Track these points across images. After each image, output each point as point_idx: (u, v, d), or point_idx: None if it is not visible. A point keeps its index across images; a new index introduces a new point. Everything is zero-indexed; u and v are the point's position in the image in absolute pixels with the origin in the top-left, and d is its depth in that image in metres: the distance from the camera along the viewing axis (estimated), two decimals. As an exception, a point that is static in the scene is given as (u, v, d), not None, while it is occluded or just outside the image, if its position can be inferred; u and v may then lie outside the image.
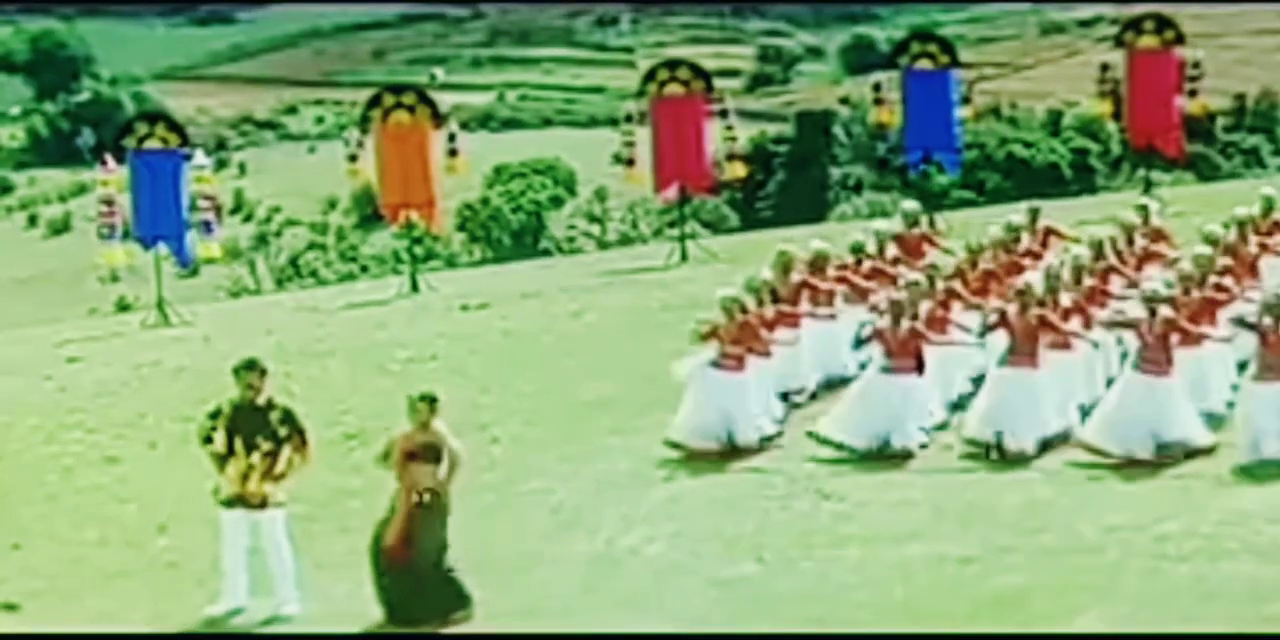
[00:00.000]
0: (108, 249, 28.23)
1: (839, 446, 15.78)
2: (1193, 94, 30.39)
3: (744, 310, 16.30)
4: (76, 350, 25.19)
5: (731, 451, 15.96)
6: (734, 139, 29.77)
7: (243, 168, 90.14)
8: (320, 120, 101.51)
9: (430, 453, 12.32)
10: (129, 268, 35.36)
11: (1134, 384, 15.25)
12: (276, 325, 26.17)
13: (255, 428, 12.58)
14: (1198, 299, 16.06)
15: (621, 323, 23.04)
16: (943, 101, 29.94)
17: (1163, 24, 30.54)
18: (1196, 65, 30.35)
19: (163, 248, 28.23)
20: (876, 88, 30.55)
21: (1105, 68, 30.74)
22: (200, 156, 28.03)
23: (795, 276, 17.67)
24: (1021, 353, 15.60)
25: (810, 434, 16.01)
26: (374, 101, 28.36)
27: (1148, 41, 30.37)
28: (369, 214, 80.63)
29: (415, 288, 28.63)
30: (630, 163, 29.70)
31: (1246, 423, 14.94)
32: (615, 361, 20.11)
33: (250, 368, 12.77)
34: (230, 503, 12.64)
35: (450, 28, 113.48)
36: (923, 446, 15.88)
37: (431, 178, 28.45)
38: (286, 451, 12.55)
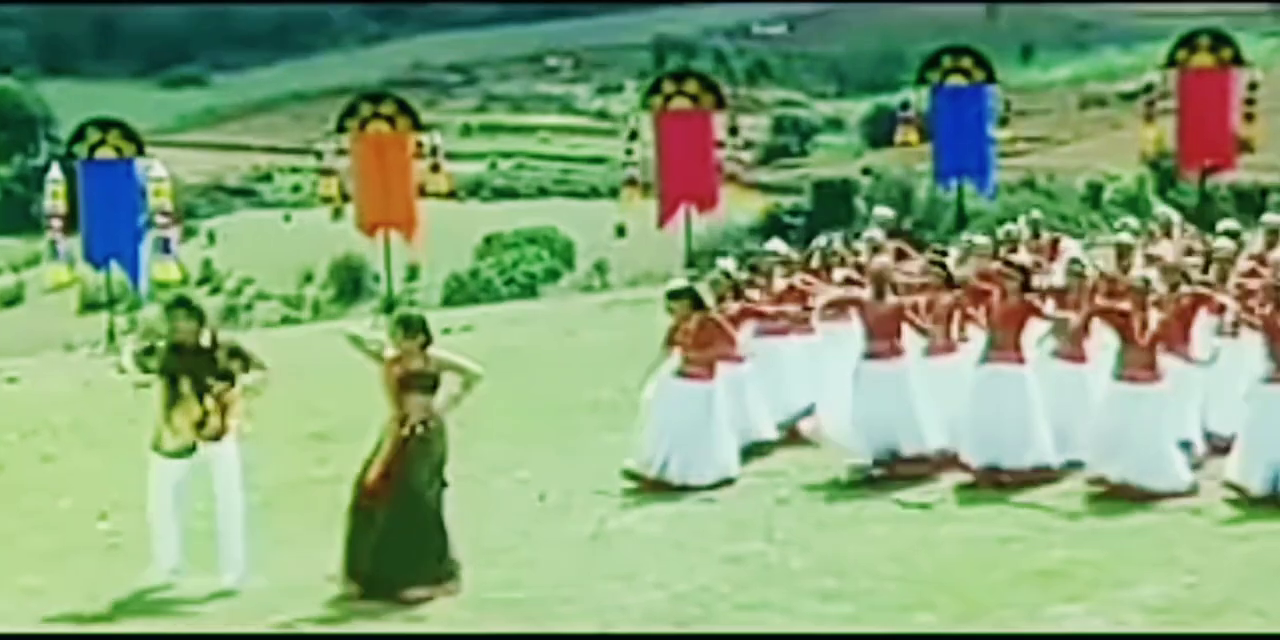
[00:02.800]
0: (54, 269, 27.84)
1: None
2: (1249, 118, 30.16)
3: (699, 305, 14.99)
4: (14, 372, 24.76)
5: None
6: (740, 162, 29.55)
7: (211, 236, 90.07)
8: (297, 189, 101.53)
9: (423, 382, 11.78)
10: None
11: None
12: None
13: (202, 370, 12.07)
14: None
15: (619, 338, 22.60)
16: (976, 120, 29.72)
17: (1219, 41, 30.31)
18: (1254, 86, 30.14)
19: (116, 268, 27.77)
20: (904, 105, 30.32)
21: (1149, 88, 30.47)
22: (158, 167, 27.60)
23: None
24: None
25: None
26: (350, 110, 28.05)
27: (1202, 60, 30.12)
28: (348, 287, 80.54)
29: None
30: (632, 182, 29.37)
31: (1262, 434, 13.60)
32: (613, 370, 19.61)
33: (180, 305, 12.26)
34: (176, 454, 12.07)
35: (439, 94, 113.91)
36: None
37: (412, 192, 28.14)
38: (244, 380, 12.06)
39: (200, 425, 12.01)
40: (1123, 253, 16.45)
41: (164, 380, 12.11)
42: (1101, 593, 11.33)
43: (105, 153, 27.53)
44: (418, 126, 28.05)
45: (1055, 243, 19.18)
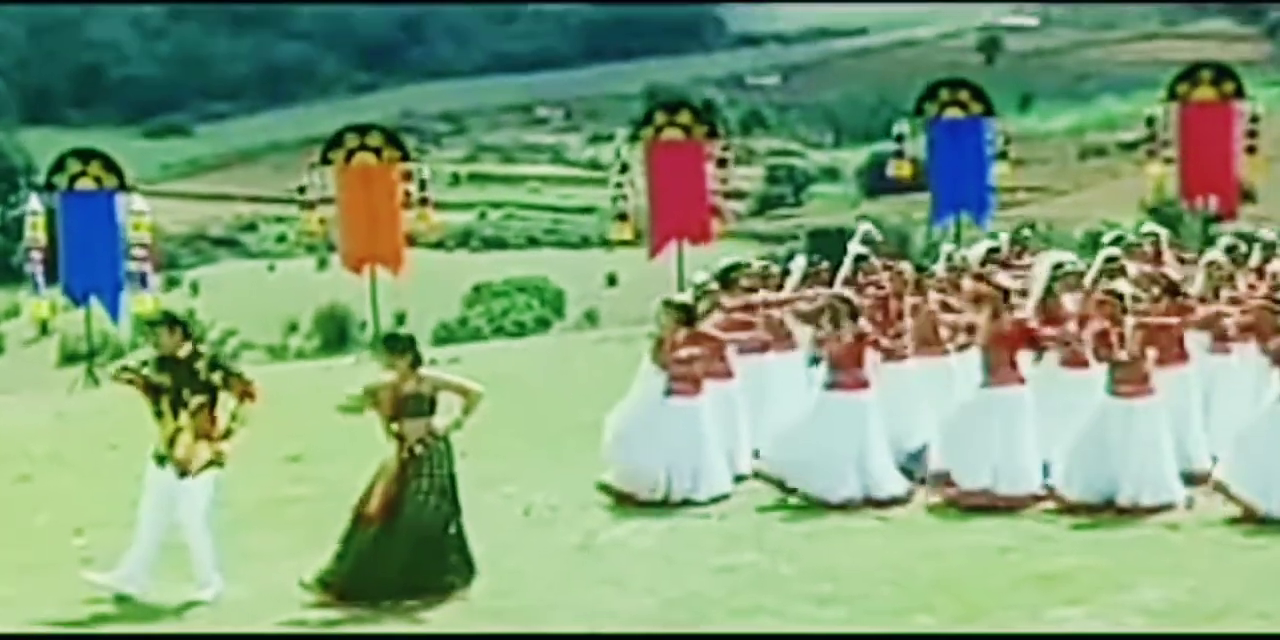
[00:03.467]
0: (35, 303, 27.72)
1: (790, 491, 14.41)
2: (1251, 151, 30.17)
3: (689, 318, 14.90)
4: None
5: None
6: (731, 194, 29.60)
7: (195, 287, 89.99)
8: (282, 239, 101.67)
9: (418, 404, 11.77)
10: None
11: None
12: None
13: (181, 383, 12.06)
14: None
15: (610, 366, 22.54)
16: (974, 154, 29.67)
17: (1220, 75, 30.35)
18: (1255, 119, 30.16)
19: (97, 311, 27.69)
20: (898, 138, 30.30)
21: (1151, 121, 30.44)
22: (138, 200, 27.52)
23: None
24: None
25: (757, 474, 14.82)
26: (336, 141, 28.02)
27: (1203, 93, 30.16)
28: (333, 337, 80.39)
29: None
30: (622, 217, 29.31)
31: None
32: (602, 394, 19.52)
33: (163, 321, 12.32)
34: (160, 460, 12.08)
35: (428, 143, 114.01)
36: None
37: (399, 227, 28.08)
38: (227, 402, 12.03)
39: (171, 442, 12.01)
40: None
41: (147, 397, 12.15)
42: (1103, 596, 11.29)
43: (85, 184, 27.40)
44: (405, 158, 27.95)
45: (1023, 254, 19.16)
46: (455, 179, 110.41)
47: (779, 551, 12.75)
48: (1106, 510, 13.48)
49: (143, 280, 27.28)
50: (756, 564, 12.45)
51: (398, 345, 11.94)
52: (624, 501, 14.49)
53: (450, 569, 11.82)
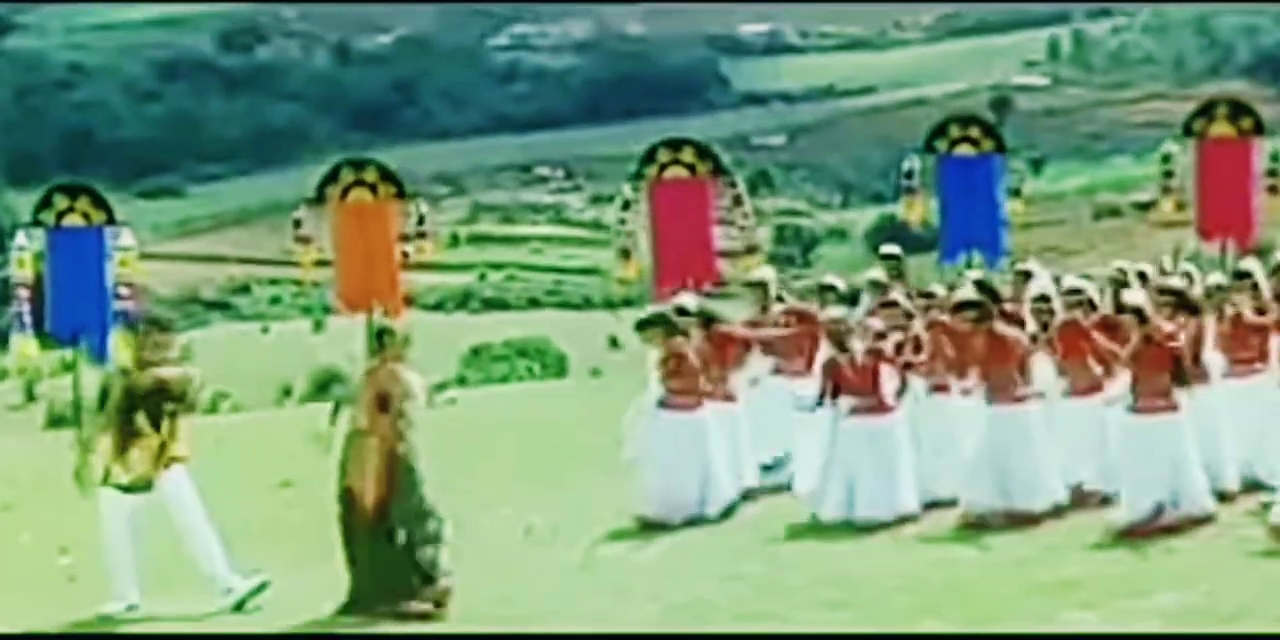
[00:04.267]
0: (20, 342, 27.56)
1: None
2: (1273, 190, 30.07)
3: (673, 333, 14.85)
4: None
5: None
6: (748, 229, 29.42)
7: (186, 351, 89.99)
8: (276, 301, 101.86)
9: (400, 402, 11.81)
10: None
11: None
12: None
13: (157, 400, 12.11)
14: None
15: (613, 396, 22.47)
16: (986, 192, 29.53)
17: (1238, 110, 30.26)
18: (1276, 157, 30.09)
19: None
20: (908, 175, 30.19)
21: (1167, 159, 30.28)
22: (126, 236, 27.41)
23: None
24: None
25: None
26: (331, 177, 27.91)
27: (1221, 129, 30.04)
28: (329, 402, 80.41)
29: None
30: (625, 254, 29.16)
31: None
32: (606, 420, 19.47)
33: (153, 324, 12.38)
34: (129, 488, 12.07)
35: (427, 203, 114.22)
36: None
37: (396, 264, 27.96)
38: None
39: (159, 457, 12.05)
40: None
41: (116, 418, 12.15)
42: (1116, 602, 11.24)
43: (73, 220, 27.22)
44: (402, 194, 27.84)
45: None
46: (454, 240, 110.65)
47: (787, 562, 12.71)
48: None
49: (125, 318, 27.08)
50: (764, 573, 12.44)
51: (392, 336, 11.94)
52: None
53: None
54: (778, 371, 15.99)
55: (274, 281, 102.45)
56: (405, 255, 27.60)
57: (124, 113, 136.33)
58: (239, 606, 12.04)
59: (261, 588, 12.18)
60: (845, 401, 14.23)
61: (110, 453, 12.28)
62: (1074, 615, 10.96)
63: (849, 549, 13.08)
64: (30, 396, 74.86)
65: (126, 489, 12.14)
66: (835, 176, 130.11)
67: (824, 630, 10.91)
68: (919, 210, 30.13)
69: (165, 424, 12.15)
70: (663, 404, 14.70)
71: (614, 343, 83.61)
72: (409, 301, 29.83)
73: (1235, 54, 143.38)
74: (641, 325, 14.95)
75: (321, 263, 28.14)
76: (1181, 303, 14.48)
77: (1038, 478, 13.85)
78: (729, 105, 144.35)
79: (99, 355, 27.91)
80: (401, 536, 11.65)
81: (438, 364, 78.66)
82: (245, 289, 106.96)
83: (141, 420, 12.12)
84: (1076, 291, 14.96)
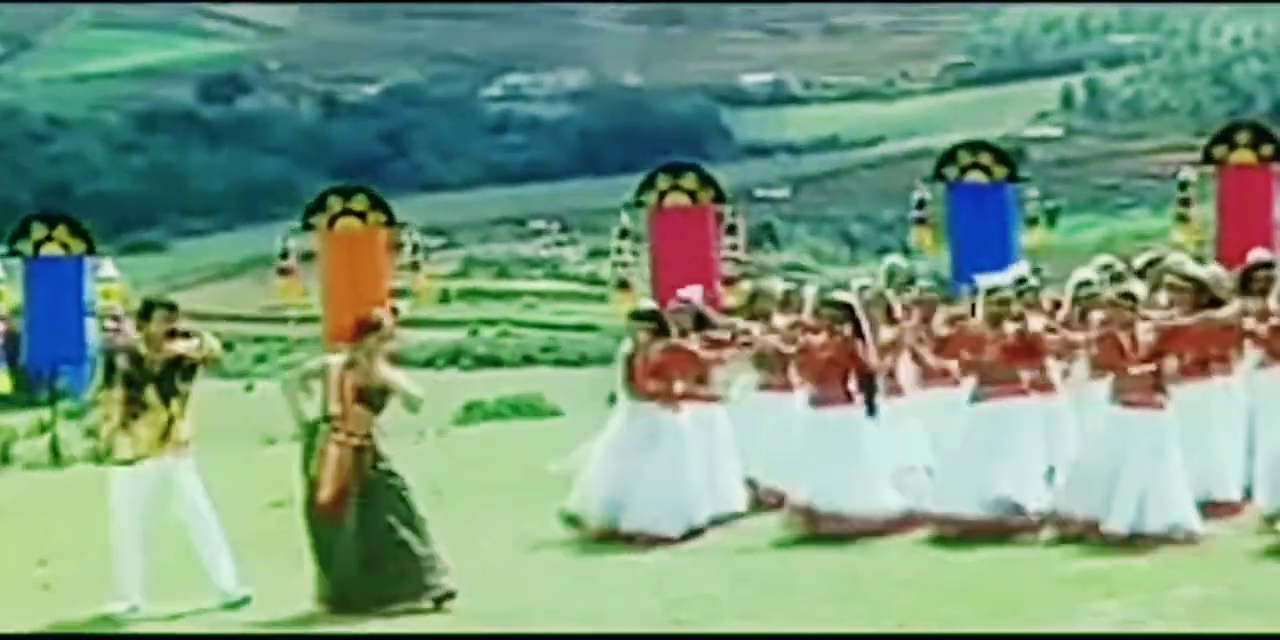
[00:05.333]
0: (-1, 373, 27.55)
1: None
2: (1298, 217, 30.07)
3: (662, 332, 14.63)
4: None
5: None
6: (739, 261, 29.42)
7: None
8: (261, 359, 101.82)
9: (379, 398, 11.82)
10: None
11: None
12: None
13: (171, 375, 12.22)
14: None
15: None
16: (998, 220, 29.56)
17: (1260, 137, 30.27)
18: (1299, 184, 30.15)
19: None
20: (919, 205, 30.19)
21: (1184, 186, 30.27)
22: (108, 266, 27.49)
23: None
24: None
25: None
26: (319, 205, 27.99)
27: (1241, 156, 30.07)
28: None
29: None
30: (624, 285, 29.17)
31: None
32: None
33: (158, 306, 12.48)
34: (133, 462, 12.12)
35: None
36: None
37: (385, 295, 27.99)
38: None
39: (166, 434, 12.11)
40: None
41: (124, 391, 12.21)
42: (1140, 595, 11.22)
43: (52, 249, 27.30)
44: (391, 222, 27.90)
45: None
46: (445, 295, 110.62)
47: (796, 562, 12.69)
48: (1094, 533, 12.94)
49: (113, 353, 27.05)
50: (772, 571, 12.42)
51: (377, 327, 12.01)
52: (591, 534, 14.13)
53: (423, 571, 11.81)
54: (765, 387, 15.80)
55: (259, 339, 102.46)
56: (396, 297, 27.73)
57: (103, 166, 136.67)
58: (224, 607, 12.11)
59: (245, 600, 12.19)
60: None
61: (115, 426, 12.31)
62: (1096, 606, 10.96)
63: (858, 547, 13.09)
64: (5, 459, 74.24)
65: (129, 464, 12.16)
66: (841, 230, 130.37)
67: (834, 626, 10.89)
68: (928, 238, 30.22)
69: (175, 401, 12.25)
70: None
71: (612, 400, 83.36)
72: (396, 360, 29.85)
73: (1255, 103, 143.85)
74: (637, 316, 14.82)
75: (307, 320, 28.23)
76: (1201, 293, 14.33)
77: None
78: (730, 157, 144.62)
79: (77, 387, 28.03)
80: (368, 529, 11.75)
81: (430, 422, 79.10)
82: (229, 346, 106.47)
83: (152, 395, 12.22)
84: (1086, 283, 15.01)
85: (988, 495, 13.34)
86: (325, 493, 11.75)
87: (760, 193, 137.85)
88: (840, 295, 14.66)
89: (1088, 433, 13.88)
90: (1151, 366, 13.24)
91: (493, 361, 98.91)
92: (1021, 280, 14.76)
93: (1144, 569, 11.89)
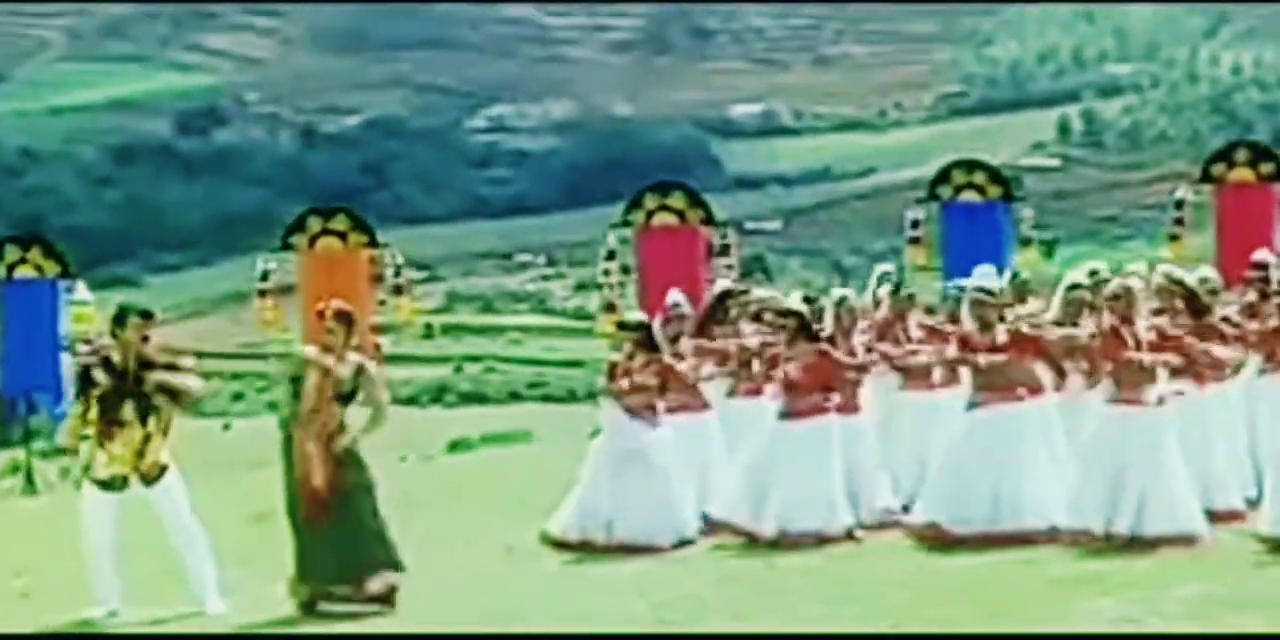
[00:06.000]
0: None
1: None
2: (1300, 235, 30.11)
3: (650, 347, 14.53)
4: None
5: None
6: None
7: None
8: (239, 397, 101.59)
9: (350, 391, 11.96)
10: None
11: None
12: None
13: (143, 392, 12.18)
14: None
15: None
16: (992, 242, 29.66)
17: (1259, 155, 30.39)
18: (1300, 202, 30.22)
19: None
20: (914, 224, 30.31)
21: (1180, 205, 30.36)
22: (81, 289, 27.50)
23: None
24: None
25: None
26: (298, 226, 28.11)
27: (1241, 175, 30.17)
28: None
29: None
30: (610, 308, 29.25)
31: None
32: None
33: (132, 317, 12.49)
34: (110, 484, 12.14)
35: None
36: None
37: (368, 315, 28.04)
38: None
39: (141, 453, 12.10)
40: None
41: (96, 406, 12.20)
42: (1137, 594, 11.29)
43: (25, 272, 27.33)
44: (373, 243, 28.02)
45: None
46: (429, 331, 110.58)
47: (786, 566, 12.74)
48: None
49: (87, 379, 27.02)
50: (760, 572, 12.50)
51: (352, 322, 12.11)
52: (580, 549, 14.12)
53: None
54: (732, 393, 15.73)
55: (237, 376, 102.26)
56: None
57: (78, 199, 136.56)
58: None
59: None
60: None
61: (91, 443, 12.30)
62: (1092, 604, 11.02)
63: (849, 548, 13.15)
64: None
65: (104, 485, 12.18)
66: (834, 262, 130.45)
67: (825, 626, 10.94)
68: (923, 258, 30.31)
69: (153, 420, 12.23)
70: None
71: (596, 434, 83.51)
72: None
73: (1254, 132, 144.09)
74: (625, 326, 14.86)
75: (287, 356, 28.15)
76: (1191, 302, 14.44)
77: None
78: (720, 188, 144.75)
79: (54, 414, 27.98)
80: (356, 515, 11.93)
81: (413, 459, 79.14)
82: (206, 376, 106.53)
83: (129, 412, 12.20)
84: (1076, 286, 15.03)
85: (985, 504, 13.37)
86: (317, 479, 11.81)
87: (751, 225, 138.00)
88: (789, 302, 14.65)
89: (1084, 440, 13.85)
90: (1169, 356, 13.35)
91: (478, 398, 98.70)
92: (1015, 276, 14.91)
93: (1142, 569, 11.96)
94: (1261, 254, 16.48)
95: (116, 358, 12.33)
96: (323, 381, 11.97)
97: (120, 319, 12.50)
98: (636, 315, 15.58)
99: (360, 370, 12.14)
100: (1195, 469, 13.55)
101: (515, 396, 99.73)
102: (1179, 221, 30.18)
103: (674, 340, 15.11)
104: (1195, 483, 13.45)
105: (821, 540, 13.51)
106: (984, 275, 14.67)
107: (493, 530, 15.54)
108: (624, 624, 11.08)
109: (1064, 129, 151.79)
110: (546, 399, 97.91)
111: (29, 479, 27.16)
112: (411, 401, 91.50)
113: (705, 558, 13.15)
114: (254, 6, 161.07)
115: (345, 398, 12.07)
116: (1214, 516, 13.46)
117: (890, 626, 10.79)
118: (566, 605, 11.75)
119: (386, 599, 11.86)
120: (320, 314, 12.47)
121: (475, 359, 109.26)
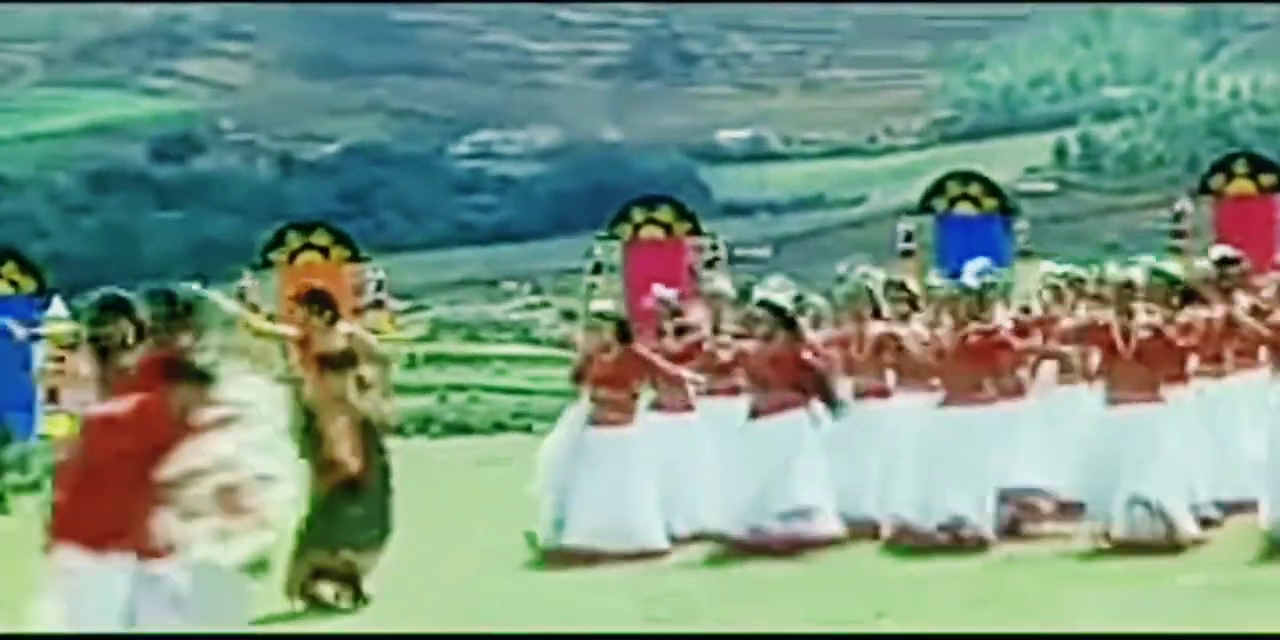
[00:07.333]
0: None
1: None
2: (1304, 246, 30.12)
3: (624, 338, 14.26)
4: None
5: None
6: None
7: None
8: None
9: (347, 360, 11.92)
10: None
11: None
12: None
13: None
14: None
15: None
16: (990, 256, 29.57)
17: (1259, 166, 30.41)
18: (1301, 213, 30.27)
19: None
20: (907, 237, 30.34)
21: (1179, 217, 30.38)
22: (56, 305, 27.40)
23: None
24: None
25: None
26: (277, 241, 28.06)
27: (1240, 187, 30.21)
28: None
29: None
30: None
31: None
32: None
33: (109, 305, 12.35)
34: None
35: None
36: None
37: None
38: None
39: None
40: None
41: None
42: (1143, 583, 11.29)
43: (0, 288, 27.29)
44: (355, 258, 28.00)
45: None
46: (412, 360, 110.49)
47: (772, 559, 12.74)
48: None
49: (52, 395, 26.87)
50: (748, 568, 12.50)
51: (321, 302, 12.11)
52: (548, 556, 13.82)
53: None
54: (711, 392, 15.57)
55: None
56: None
57: (53, 226, 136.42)
58: None
59: None
60: None
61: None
62: (1093, 595, 11.04)
63: (839, 545, 13.16)
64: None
65: None
66: (825, 290, 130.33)
67: (815, 625, 10.91)
68: (917, 273, 30.26)
69: None
70: (592, 421, 14.27)
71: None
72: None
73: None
74: (601, 316, 14.69)
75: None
76: (1187, 295, 14.34)
77: None
78: (709, 215, 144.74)
79: (25, 433, 27.88)
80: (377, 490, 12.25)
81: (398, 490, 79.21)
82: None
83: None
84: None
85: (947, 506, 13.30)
86: (353, 465, 11.82)
87: (740, 252, 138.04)
88: (773, 298, 14.57)
89: (1082, 439, 13.77)
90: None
91: (462, 429, 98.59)
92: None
93: (1140, 563, 11.95)
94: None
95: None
96: (306, 356, 11.97)
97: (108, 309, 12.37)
98: (610, 306, 15.38)
99: (351, 337, 12.12)
100: (1211, 460, 13.61)
101: (500, 427, 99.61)
102: (1179, 234, 30.20)
103: (660, 334, 15.23)
104: (1210, 474, 13.50)
105: (798, 543, 13.29)
106: (978, 270, 14.60)
107: (478, 529, 15.58)
108: (613, 621, 11.07)
109: (1061, 153, 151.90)
110: (532, 430, 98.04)
111: (3, 500, 26.99)
112: (396, 432, 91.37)
113: (692, 555, 13.07)
114: (227, 30, 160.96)
115: (338, 365, 11.97)
116: (1228, 507, 13.54)
117: (883, 623, 10.79)
118: (555, 603, 11.72)
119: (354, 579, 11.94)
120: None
121: (460, 388, 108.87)
